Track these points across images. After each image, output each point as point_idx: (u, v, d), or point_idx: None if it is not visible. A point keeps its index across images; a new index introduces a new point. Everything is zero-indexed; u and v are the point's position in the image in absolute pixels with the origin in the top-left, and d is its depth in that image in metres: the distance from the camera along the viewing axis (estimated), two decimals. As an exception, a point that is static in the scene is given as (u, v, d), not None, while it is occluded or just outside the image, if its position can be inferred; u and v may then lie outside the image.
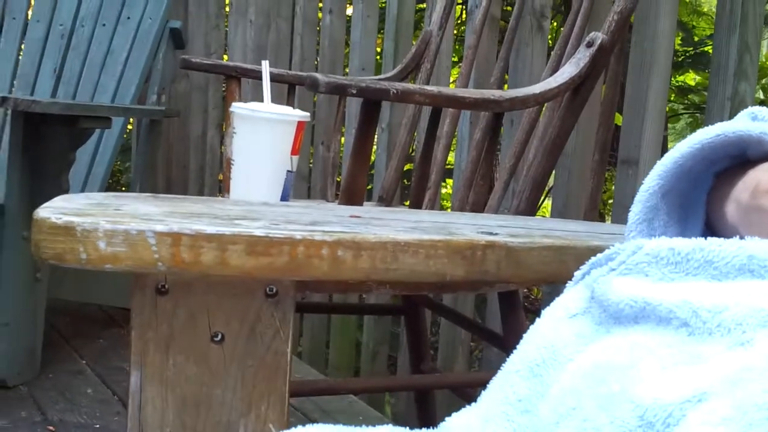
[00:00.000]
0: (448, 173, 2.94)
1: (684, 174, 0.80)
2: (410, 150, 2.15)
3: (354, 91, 1.26)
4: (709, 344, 0.57)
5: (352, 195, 1.29)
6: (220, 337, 0.84)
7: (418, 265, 0.85)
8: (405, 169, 2.69)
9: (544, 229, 1.00)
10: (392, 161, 2.02)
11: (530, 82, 1.97)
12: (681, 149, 0.80)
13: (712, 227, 0.82)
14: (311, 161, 3.03)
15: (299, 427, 0.75)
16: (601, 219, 2.54)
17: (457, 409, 0.75)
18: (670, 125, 3.16)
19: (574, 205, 2.02)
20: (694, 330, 0.58)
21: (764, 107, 0.89)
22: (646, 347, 0.59)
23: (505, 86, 2.15)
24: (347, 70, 2.92)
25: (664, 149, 2.81)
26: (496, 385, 0.69)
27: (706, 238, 0.65)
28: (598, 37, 1.53)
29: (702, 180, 0.82)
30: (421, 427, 0.77)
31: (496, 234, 0.91)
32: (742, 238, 0.68)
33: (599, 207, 1.94)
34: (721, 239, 0.63)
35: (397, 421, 2.47)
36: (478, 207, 1.53)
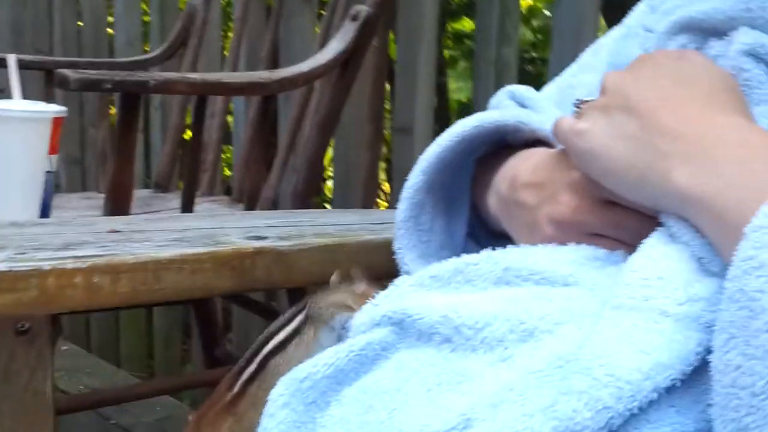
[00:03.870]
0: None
1: (446, 166, 0.80)
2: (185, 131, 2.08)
3: (109, 86, 1.18)
4: (473, 360, 0.56)
5: (118, 197, 1.21)
6: (-31, 382, 0.77)
7: (183, 282, 0.81)
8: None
9: (317, 225, 0.97)
10: (165, 146, 1.94)
11: (303, 53, 1.94)
12: (442, 143, 0.79)
13: (479, 211, 0.82)
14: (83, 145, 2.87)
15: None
16: (388, 184, 2.56)
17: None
18: (449, 70, 3.22)
19: (355, 174, 2.01)
20: (457, 346, 0.57)
21: (522, 85, 0.90)
22: (410, 367, 0.58)
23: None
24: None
25: (441, 115, 2.87)
26: None
27: (465, 251, 0.64)
28: (363, 10, 1.51)
29: (465, 167, 0.82)
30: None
31: (266, 238, 0.87)
32: (497, 241, 0.68)
33: (379, 175, 1.95)
34: (477, 256, 0.63)
35: (196, 406, 2.41)
36: (256, 192, 1.50)
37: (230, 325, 2.40)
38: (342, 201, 1.99)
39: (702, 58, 0.62)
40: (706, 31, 0.67)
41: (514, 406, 0.50)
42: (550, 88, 0.91)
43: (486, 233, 0.83)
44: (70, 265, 0.76)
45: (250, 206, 1.48)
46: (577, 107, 0.67)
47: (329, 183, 2.11)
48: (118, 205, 1.21)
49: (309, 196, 1.60)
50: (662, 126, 0.56)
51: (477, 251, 0.76)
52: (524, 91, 0.88)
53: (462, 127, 0.78)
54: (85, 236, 0.88)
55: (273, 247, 0.86)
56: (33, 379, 0.78)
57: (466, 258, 0.63)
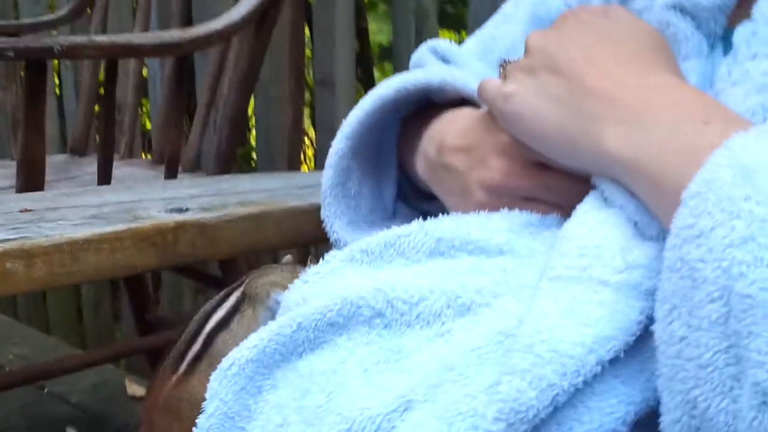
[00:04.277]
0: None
1: (371, 129, 0.78)
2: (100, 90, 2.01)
3: (12, 54, 1.12)
4: (409, 337, 0.54)
5: (30, 171, 1.15)
6: None
7: (103, 262, 0.77)
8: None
9: (240, 192, 0.94)
10: (80, 108, 1.87)
11: (217, 5, 1.88)
12: (364, 107, 0.76)
13: (407, 171, 0.80)
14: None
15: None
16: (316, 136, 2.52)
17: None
18: (371, 12, 3.18)
19: (277, 133, 1.97)
20: (390, 322, 0.55)
21: (445, 40, 0.87)
22: (345, 347, 0.56)
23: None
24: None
25: (363, 61, 2.83)
26: None
27: (395, 225, 0.62)
28: (277, -38, 1.46)
29: (390, 127, 0.80)
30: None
31: (187, 210, 0.84)
32: (427, 202, 0.66)
33: (304, 128, 1.91)
34: (408, 227, 0.61)
35: (131, 369, 2.38)
36: (176, 153, 1.45)
37: (160, 287, 2.36)
38: (266, 157, 1.95)
39: (627, 15, 0.60)
40: (630, -16, 0.65)
41: (456, 386, 0.48)
42: (472, 41, 0.89)
43: (416, 194, 0.81)
44: (-20, 252, 0.72)
45: (171, 168, 1.44)
46: (502, 68, 0.64)
47: (255, 132, 2.06)
48: (30, 179, 1.15)
49: (232, 155, 1.56)
50: (590, 87, 0.54)
51: (407, 214, 0.74)
52: (446, 45, 0.85)
53: (385, 90, 0.76)
54: (-5, 218, 0.83)
55: (195, 219, 0.82)
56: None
57: (397, 230, 0.60)
